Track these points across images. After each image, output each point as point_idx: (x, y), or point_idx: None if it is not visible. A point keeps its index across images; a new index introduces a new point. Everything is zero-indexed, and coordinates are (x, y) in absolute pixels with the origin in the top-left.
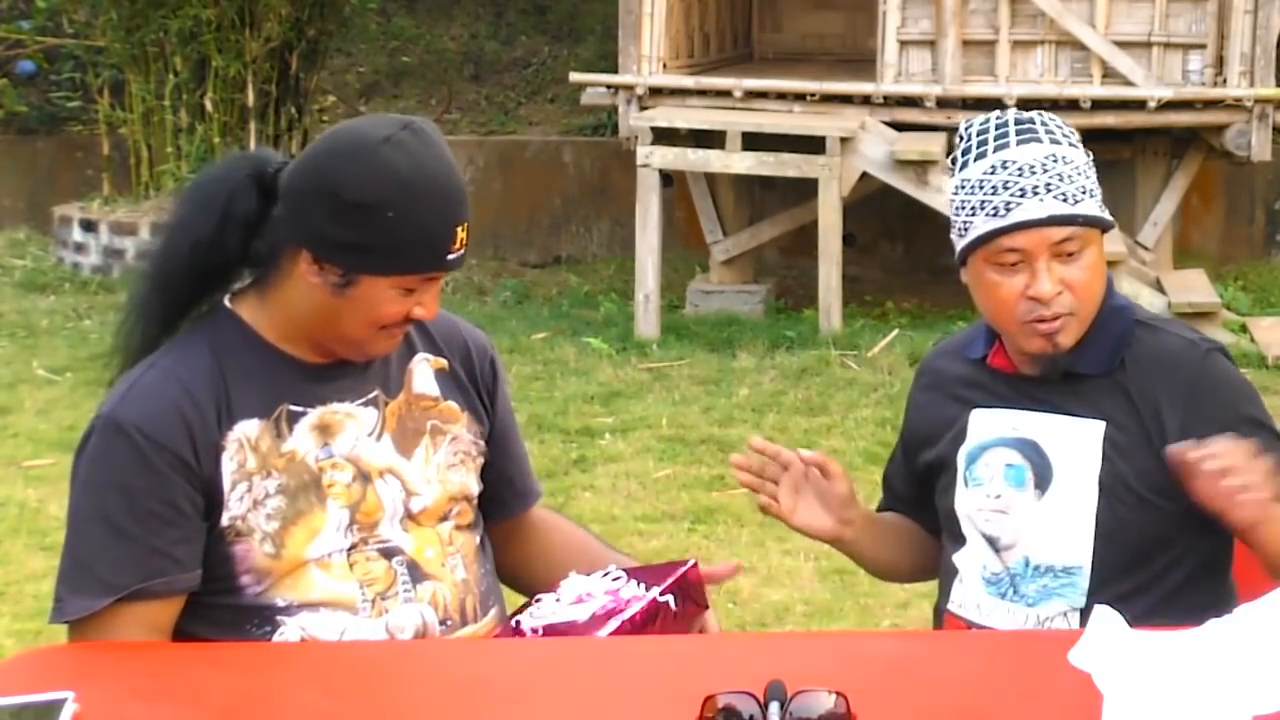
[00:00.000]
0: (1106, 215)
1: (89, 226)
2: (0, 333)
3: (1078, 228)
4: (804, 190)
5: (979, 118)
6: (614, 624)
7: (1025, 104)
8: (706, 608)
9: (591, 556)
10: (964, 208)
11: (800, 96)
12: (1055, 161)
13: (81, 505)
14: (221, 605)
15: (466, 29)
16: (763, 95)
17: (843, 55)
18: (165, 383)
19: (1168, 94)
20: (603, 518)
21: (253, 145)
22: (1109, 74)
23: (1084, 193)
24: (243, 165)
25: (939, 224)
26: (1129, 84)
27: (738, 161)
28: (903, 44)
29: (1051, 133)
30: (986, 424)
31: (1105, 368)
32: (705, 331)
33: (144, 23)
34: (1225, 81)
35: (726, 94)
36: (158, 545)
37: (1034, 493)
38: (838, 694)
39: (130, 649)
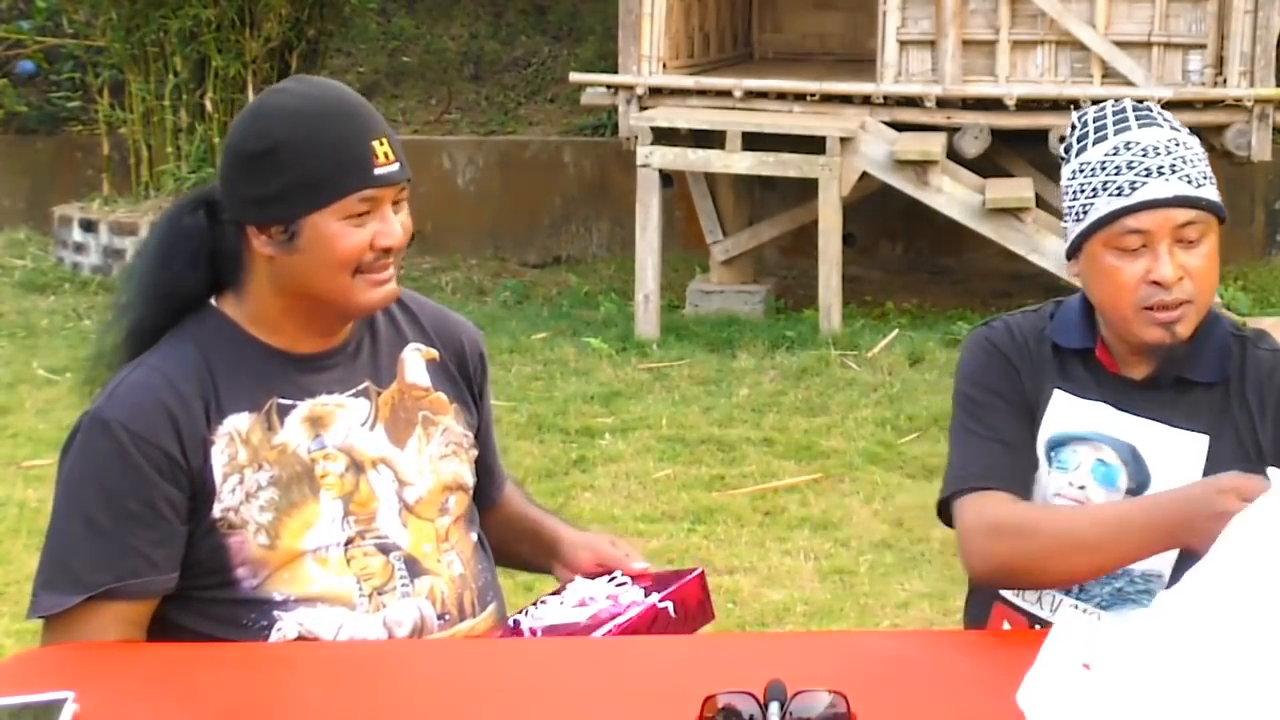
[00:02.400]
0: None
1: (89, 226)
2: (0, 333)
3: (1201, 211)
4: (804, 190)
5: (1093, 107)
6: (610, 627)
7: (1025, 104)
8: (712, 617)
9: (523, 515)
10: (1083, 190)
11: (800, 96)
12: (1177, 145)
13: (62, 502)
14: (218, 599)
15: (466, 29)
16: (763, 95)
17: (843, 55)
18: (151, 379)
19: (1168, 94)
20: (603, 518)
21: None
22: (1109, 74)
23: (1205, 178)
24: (188, 199)
25: (939, 224)
26: (1129, 84)
27: (738, 161)
28: (903, 44)
29: (1169, 120)
30: (1073, 413)
31: (1217, 377)
32: (705, 331)
33: (144, 23)
34: (1225, 81)
35: (726, 94)
36: (134, 545)
37: (1124, 496)
38: (838, 694)
39: (130, 649)
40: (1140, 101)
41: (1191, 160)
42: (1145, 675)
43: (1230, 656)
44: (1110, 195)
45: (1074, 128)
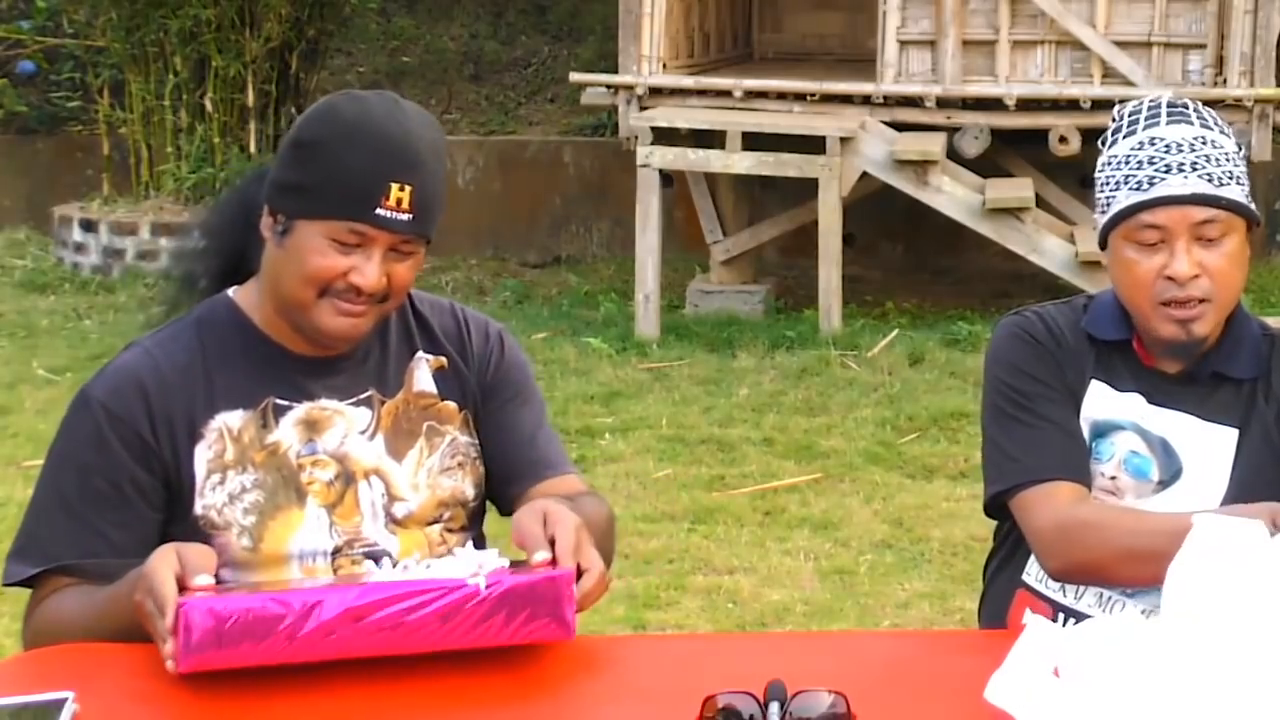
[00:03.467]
0: (1253, 207)
1: (89, 226)
2: (0, 333)
3: (1220, 210)
4: (804, 190)
5: (1134, 101)
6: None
7: (1025, 104)
8: (567, 633)
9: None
10: (1108, 184)
11: (800, 96)
12: (1203, 143)
13: (43, 476)
14: None
15: (466, 29)
16: (763, 95)
17: (843, 55)
18: (138, 361)
19: (1167, 94)
20: None
21: (253, 145)
22: (1109, 74)
23: (1230, 178)
24: (260, 170)
25: (939, 224)
26: (1129, 84)
27: (738, 161)
28: (903, 44)
29: (1203, 118)
30: (1109, 404)
31: (1251, 373)
32: (705, 331)
33: (144, 23)
34: (1225, 81)
35: (726, 94)
36: (98, 526)
37: (1154, 487)
38: (838, 694)
39: (130, 649)
40: (1180, 99)
41: (1216, 159)
42: (1115, 683)
43: (1201, 668)
44: (1130, 190)
45: (1112, 122)
